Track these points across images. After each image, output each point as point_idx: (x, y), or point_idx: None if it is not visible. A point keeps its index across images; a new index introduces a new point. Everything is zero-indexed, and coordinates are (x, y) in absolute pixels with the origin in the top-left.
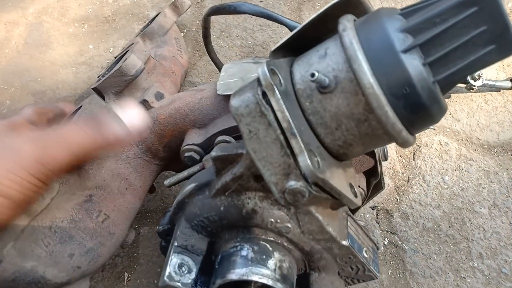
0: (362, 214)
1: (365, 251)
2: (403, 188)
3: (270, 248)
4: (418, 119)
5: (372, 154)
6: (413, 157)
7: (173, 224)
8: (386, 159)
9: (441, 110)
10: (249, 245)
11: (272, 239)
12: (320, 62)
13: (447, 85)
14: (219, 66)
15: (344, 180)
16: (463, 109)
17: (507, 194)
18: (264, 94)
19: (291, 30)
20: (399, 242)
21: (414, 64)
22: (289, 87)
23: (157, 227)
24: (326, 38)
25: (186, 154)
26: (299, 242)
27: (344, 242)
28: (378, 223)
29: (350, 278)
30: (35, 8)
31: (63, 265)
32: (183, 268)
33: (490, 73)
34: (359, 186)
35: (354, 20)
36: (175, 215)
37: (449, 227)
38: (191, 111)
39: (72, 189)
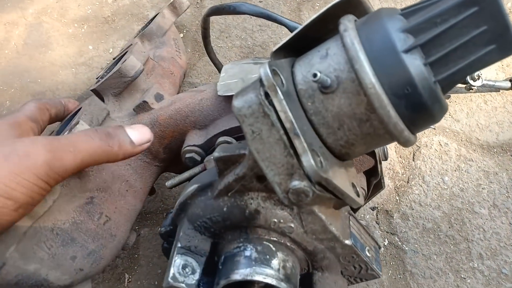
0: (362, 215)
1: (368, 250)
2: (403, 189)
3: (274, 248)
4: (419, 119)
5: (372, 154)
6: (413, 157)
7: (175, 225)
8: (386, 159)
9: (442, 110)
10: (252, 245)
11: (275, 239)
12: (322, 63)
13: (448, 85)
14: (218, 66)
15: (346, 179)
16: (462, 109)
17: (506, 195)
18: (266, 95)
19: (290, 30)
20: (399, 243)
21: (415, 64)
22: (290, 88)
23: (159, 229)
24: (327, 39)
25: (187, 155)
26: (302, 242)
27: (347, 242)
28: (378, 224)
29: (353, 277)
30: (34, 8)
31: (65, 267)
32: (187, 269)
33: (490, 74)
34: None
35: (355, 21)
36: (177, 216)
37: (449, 227)
38: (192, 112)
39: (73, 191)
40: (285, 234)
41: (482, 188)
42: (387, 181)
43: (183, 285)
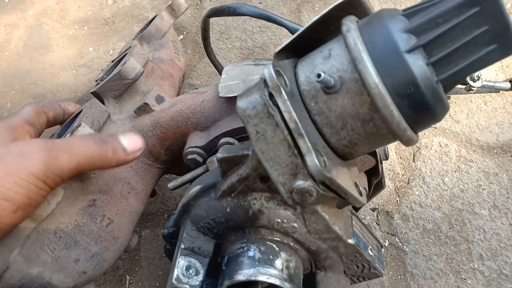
0: (363, 216)
1: (370, 249)
2: (403, 190)
3: (277, 248)
4: (422, 118)
5: (373, 154)
6: (413, 158)
7: (178, 227)
8: (387, 158)
9: (444, 109)
10: (255, 246)
11: (278, 239)
12: (325, 63)
13: (450, 84)
14: (218, 68)
15: (349, 179)
16: (462, 110)
17: (507, 195)
18: (270, 95)
19: (290, 31)
20: (400, 244)
21: (418, 64)
22: (294, 88)
23: (162, 230)
24: (328, 39)
25: (189, 156)
26: (305, 242)
27: (350, 241)
28: (378, 225)
29: (356, 276)
30: (34, 10)
31: (69, 270)
32: (191, 270)
33: (489, 74)
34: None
35: (357, 21)
36: (180, 217)
37: (449, 228)
38: (193, 113)
39: (75, 194)
40: (288, 234)
41: (482, 189)
42: (387, 182)
43: (187, 286)
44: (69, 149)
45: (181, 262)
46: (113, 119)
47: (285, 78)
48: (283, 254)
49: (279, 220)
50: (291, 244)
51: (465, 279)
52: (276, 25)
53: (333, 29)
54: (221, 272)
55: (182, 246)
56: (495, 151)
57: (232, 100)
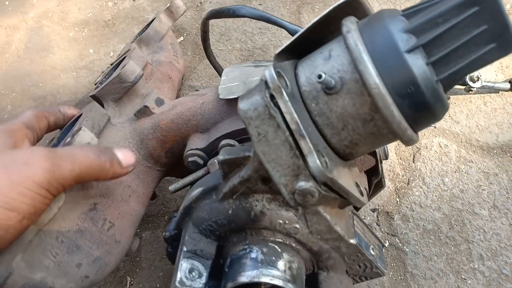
0: (363, 217)
1: (372, 249)
2: (403, 191)
3: (279, 250)
4: (422, 117)
5: (373, 153)
6: (413, 159)
7: (179, 229)
8: (386, 158)
9: (444, 108)
10: (258, 247)
11: (280, 240)
12: (325, 64)
13: (449, 84)
14: (218, 70)
15: (350, 179)
16: (462, 111)
17: (506, 196)
18: (271, 97)
19: (290, 33)
20: (400, 244)
21: (418, 64)
22: (295, 89)
23: (164, 233)
24: (327, 40)
25: (190, 159)
26: (308, 242)
27: (352, 241)
28: (378, 226)
29: (358, 276)
30: (35, 12)
31: (71, 275)
32: (194, 273)
33: (489, 75)
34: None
35: (357, 22)
36: (182, 220)
37: (450, 229)
38: (193, 116)
39: (76, 198)
40: (290, 235)
41: (482, 189)
42: (387, 183)
43: None
44: (71, 158)
45: (184, 265)
46: (113, 122)
47: (286, 79)
48: (285, 255)
49: (281, 221)
50: (293, 245)
51: (465, 279)
52: (276, 27)
53: (333, 30)
54: (223, 274)
55: (185, 249)
56: (495, 151)
57: (232, 102)
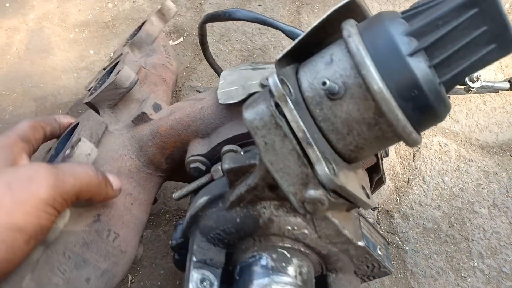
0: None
1: (379, 249)
2: (403, 189)
3: (288, 255)
4: (426, 119)
5: None
6: (413, 158)
7: (186, 237)
8: (387, 155)
9: (447, 109)
10: (267, 254)
11: (289, 245)
12: (327, 69)
13: (451, 85)
14: (218, 71)
15: (357, 183)
16: (462, 110)
17: (506, 194)
18: (276, 105)
19: (286, 34)
20: (400, 243)
21: (420, 67)
22: (298, 95)
23: (170, 242)
24: (326, 42)
25: (192, 165)
26: (316, 247)
27: (360, 243)
28: (378, 224)
29: (366, 275)
30: (35, 14)
31: None
32: (205, 283)
33: (488, 75)
34: None
35: (356, 25)
36: (188, 228)
37: (449, 227)
38: (193, 121)
39: (78, 210)
40: (299, 240)
41: (482, 188)
42: (387, 182)
43: None
44: (73, 173)
45: (195, 275)
46: (111, 129)
47: (289, 86)
48: (295, 260)
49: (289, 227)
50: (302, 249)
51: (465, 277)
52: None
53: (331, 32)
54: (234, 282)
55: (194, 259)
56: (495, 150)
57: (231, 106)
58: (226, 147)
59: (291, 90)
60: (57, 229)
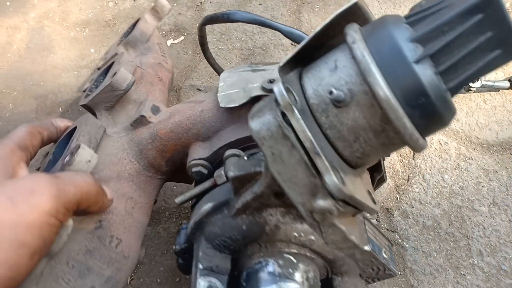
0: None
1: (384, 252)
2: (403, 187)
3: (295, 261)
4: (432, 125)
5: None
6: (413, 156)
7: (190, 243)
8: (388, 155)
9: (452, 114)
10: (273, 260)
11: (295, 251)
12: (332, 76)
13: (457, 90)
14: (218, 71)
15: (363, 189)
16: (462, 108)
17: (506, 192)
18: (282, 114)
19: (285, 35)
20: (400, 240)
21: (426, 74)
22: (303, 102)
23: (174, 247)
24: (328, 45)
25: (194, 169)
26: (323, 252)
27: (366, 248)
28: (378, 222)
29: (371, 278)
30: (36, 12)
31: None
32: None
33: (489, 74)
34: None
35: (359, 29)
36: (192, 234)
37: (449, 225)
38: (193, 124)
39: (79, 217)
40: (305, 245)
41: (482, 186)
42: (387, 180)
43: None
44: (73, 183)
45: (202, 283)
46: (109, 132)
47: (294, 94)
48: (301, 266)
49: (296, 234)
50: (308, 254)
51: (464, 274)
52: None
53: (333, 35)
54: None
55: (200, 267)
56: (495, 148)
57: (232, 110)
58: (228, 152)
59: (297, 98)
60: (61, 241)
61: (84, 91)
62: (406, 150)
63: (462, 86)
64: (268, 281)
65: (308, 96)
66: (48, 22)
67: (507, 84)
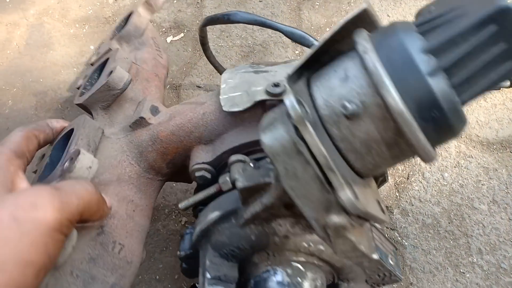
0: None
1: (390, 258)
2: (402, 185)
3: (303, 269)
4: (443, 137)
5: None
6: None
7: (195, 249)
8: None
9: (464, 125)
10: (281, 269)
11: (303, 259)
12: (343, 86)
13: (468, 102)
14: (219, 69)
15: (373, 199)
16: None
17: (506, 191)
18: (295, 127)
19: (286, 35)
20: (399, 238)
21: (440, 87)
22: (313, 113)
23: (179, 252)
24: (333, 49)
25: (197, 173)
26: (331, 261)
27: (374, 256)
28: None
29: (377, 283)
30: (36, 9)
31: None
32: None
33: None
34: None
35: (369, 36)
36: (198, 242)
37: (449, 223)
38: (195, 127)
39: (79, 224)
40: (314, 254)
41: (482, 184)
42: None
43: None
44: (75, 193)
45: None
46: (107, 133)
47: (305, 105)
48: (309, 274)
49: (305, 244)
50: (316, 262)
51: (463, 273)
52: None
53: (338, 39)
54: None
55: (208, 276)
56: (495, 146)
57: (236, 113)
58: (233, 157)
59: (308, 110)
60: (66, 253)
61: (78, 88)
62: None
63: (474, 98)
64: None
65: (318, 106)
66: (47, 18)
67: (507, 82)
